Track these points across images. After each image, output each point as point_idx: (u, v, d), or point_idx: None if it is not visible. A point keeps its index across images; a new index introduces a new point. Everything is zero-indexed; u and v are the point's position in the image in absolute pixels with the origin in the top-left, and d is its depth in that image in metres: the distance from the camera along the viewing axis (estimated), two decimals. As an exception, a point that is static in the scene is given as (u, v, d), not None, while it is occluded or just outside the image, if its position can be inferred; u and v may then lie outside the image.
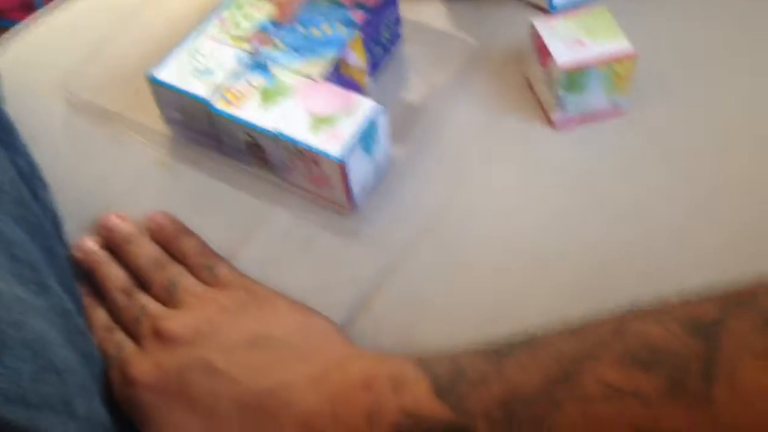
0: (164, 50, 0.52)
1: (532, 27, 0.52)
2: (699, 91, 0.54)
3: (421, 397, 0.36)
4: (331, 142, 0.46)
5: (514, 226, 0.48)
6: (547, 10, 0.59)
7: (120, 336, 0.44)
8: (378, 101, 0.48)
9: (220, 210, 0.51)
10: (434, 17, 0.60)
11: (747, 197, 0.48)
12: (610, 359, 0.32)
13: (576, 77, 0.50)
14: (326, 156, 0.46)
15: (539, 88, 0.54)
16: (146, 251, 0.47)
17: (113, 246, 0.48)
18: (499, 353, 0.36)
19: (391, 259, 0.47)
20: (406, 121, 0.52)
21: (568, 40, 0.51)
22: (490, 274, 0.46)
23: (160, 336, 0.42)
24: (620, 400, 0.31)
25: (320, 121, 0.47)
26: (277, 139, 0.47)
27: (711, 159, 0.50)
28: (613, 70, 0.50)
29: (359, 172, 0.48)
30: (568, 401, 0.32)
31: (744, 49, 0.56)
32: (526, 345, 0.36)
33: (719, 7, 0.58)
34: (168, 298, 0.45)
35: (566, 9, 0.58)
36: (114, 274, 0.47)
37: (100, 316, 0.46)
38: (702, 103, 0.53)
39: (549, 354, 0.34)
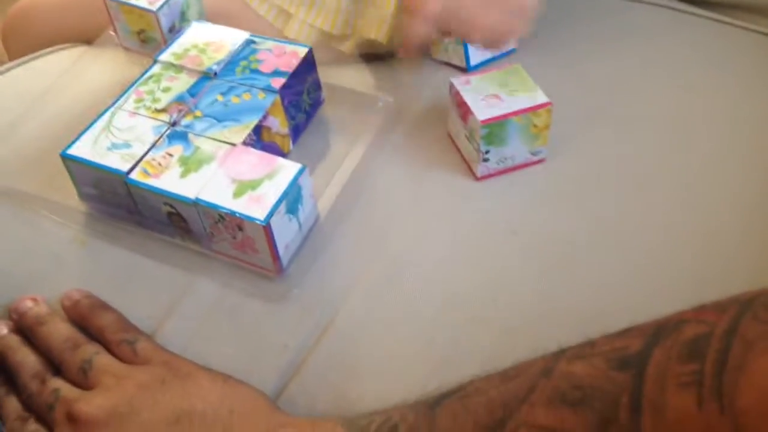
0: (79, 129, 0.51)
1: (451, 85, 0.53)
2: (611, 137, 0.55)
3: None
4: (254, 206, 0.46)
5: (443, 278, 0.48)
6: (465, 69, 0.60)
7: (33, 425, 0.42)
8: (301, 163, 0.48)
9: (142, 285, 0.49)
10: (354, 80, 0.61)
11: (662, 240, 0.49)
12: (539, 402, 0.32)
13: (496, 130, 0.51)
14: (250, 220, 0.45)
15: (461, 142, 0.54)
16: (59, 332, 0.45)
17: (26, 329, 0.46)
18: (431, 405, 0.36)
19: (321, 321, 0.46)
20: (330, 182, 0.52)
21: (486, 96, 0.52)
22: (422, 328, 0.45)
23: (75, 421, 0.40)
24: None
25: (243, 187, 0.47)
26: (199, 206, 0.46)
27: (626, 202, 0.51)
28: (530, 121, 0.51)
29: (284, 234, 0.47)
30: None
31: (649, 92, 0.58)
32: (457, 394, 0.36)
33: (624, 53, 0.61)
34: (83, 380, 0.43)
35: (482, 67, 0.60)
36: (26, 360, 0.45)
37: (12, 405, 0.44)
38: (615, 149, 0.55)
39: (480, 401, 0.34)
